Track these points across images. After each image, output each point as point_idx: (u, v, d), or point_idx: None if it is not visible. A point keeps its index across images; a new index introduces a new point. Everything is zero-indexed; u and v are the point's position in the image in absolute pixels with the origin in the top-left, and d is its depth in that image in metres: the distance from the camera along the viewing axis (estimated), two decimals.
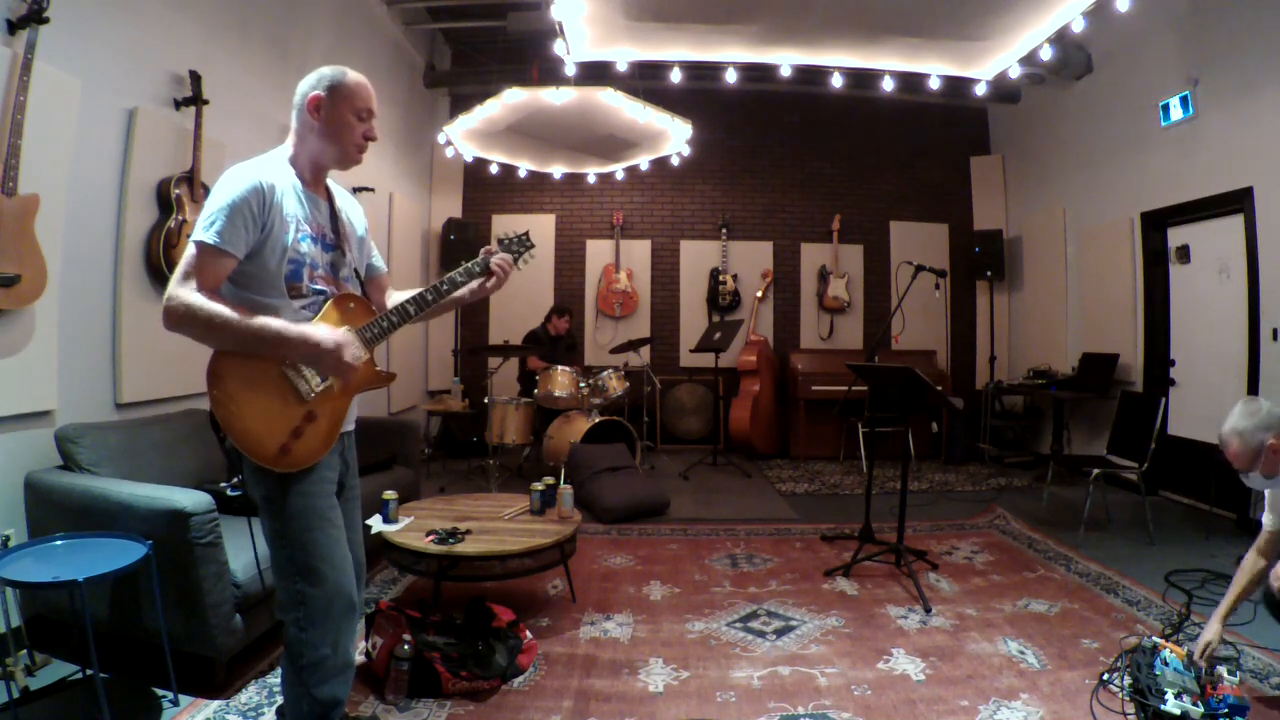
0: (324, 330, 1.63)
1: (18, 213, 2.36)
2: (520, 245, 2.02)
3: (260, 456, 1.61)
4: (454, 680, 2.27)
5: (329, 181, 1.84)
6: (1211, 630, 2.27)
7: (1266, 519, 2.32)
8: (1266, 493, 2.31)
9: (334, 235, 1.80)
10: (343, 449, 1.85)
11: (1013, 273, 6.81)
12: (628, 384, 5.54)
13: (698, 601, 3.13)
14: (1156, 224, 5.13)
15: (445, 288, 1.86)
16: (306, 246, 1.70)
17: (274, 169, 1.67)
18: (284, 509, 1.67)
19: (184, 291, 1.52)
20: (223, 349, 1.59)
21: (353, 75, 1.73)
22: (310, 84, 1.70)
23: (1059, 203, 6.20)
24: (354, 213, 1.92)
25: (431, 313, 1.91)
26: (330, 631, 1.70)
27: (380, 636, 2.41)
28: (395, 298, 1.97)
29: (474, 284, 1.91)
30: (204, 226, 1.54)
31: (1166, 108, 4.84)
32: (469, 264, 1.90)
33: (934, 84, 5.49)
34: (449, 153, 5.96)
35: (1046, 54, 4.76)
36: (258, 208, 1.58)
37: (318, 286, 1.72)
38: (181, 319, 1.52)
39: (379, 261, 2.00)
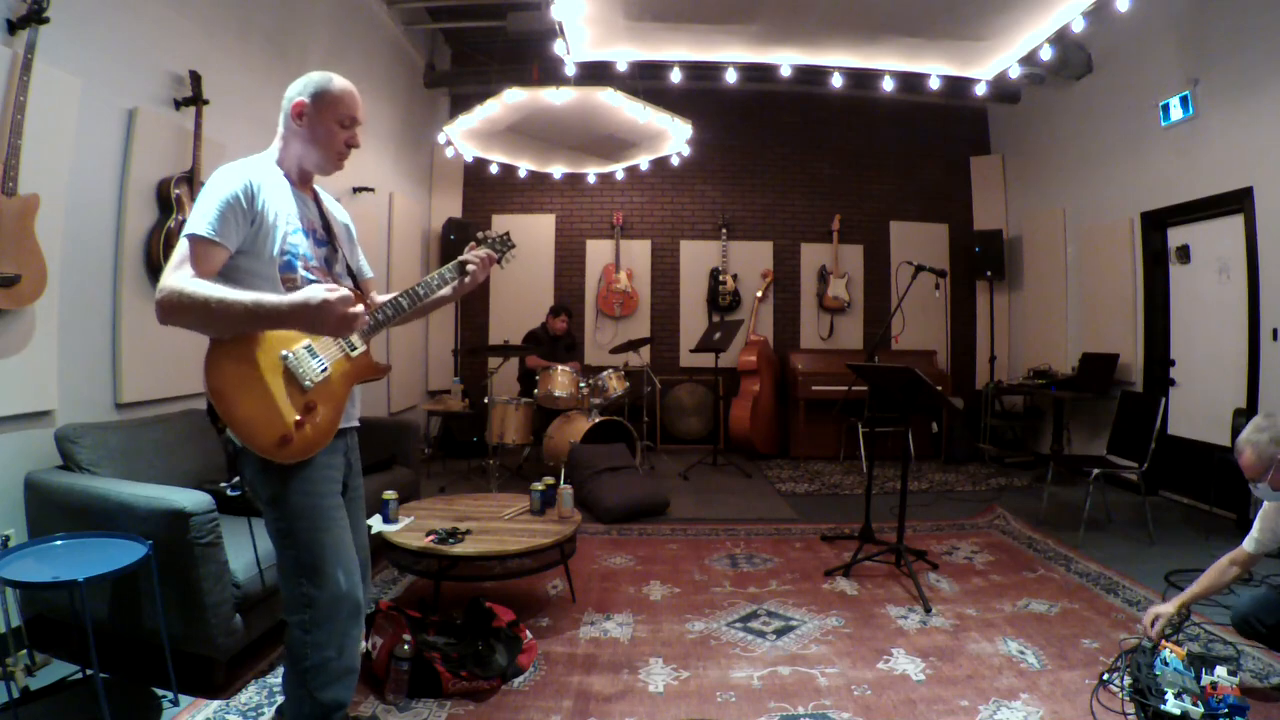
0: (318, 289, 1.54)
1: (18, 213, 2.36)
2: (502, 245, 2.08)
3: (260, 446, 1.59)
4: (454, 680, 2.27)
5: (316, 187, 1.87)
6: (1165, 606, 2.42)
7: (1252, 540, 2.36)
8: (1261, 509, 2.36)
9: (325, 232, 1.82)
10: (345, 449, 1.85)
11: (1013, 273, 6.81)
12: (628, 384, 5.54)
13: (698, 601, 3.12)
14: (1156, 224, 5.13)
15: (435, 282, 1.90)
16: (299, 239, 1.71)
17: (262, 169, 1.70)
18: (289, 509, 1.66)
19: (176, 279, 1.48)
20: (220, 334, 1.56)
21: (338, 83, 1.74)
22: (296, 89, 1.72)
23: (1059, 203, 6.20)
24: (341, 217, 1.95)
25: (423, 308, 1.95)
26: (336, 634, 1.69)
27: (380, 636, 2.40)
28: (380, 300, 1.97)
29: (457, 281, 1.96)
30: (197, 219, 1.55)
31: (1166, 108, 4.84)
32: (457, 260, 1.95)
33: (934, 84, 5.49)
34: (449, 153, 5.95)
35: (1046, 54, 4.75)
36: (248, 203, 1.60)
37: (312, 278, 1.72)
38: (176, 307, 1.47)
39: (366, 266, 2.02)
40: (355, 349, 1.77)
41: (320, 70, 1.76)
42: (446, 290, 1.94)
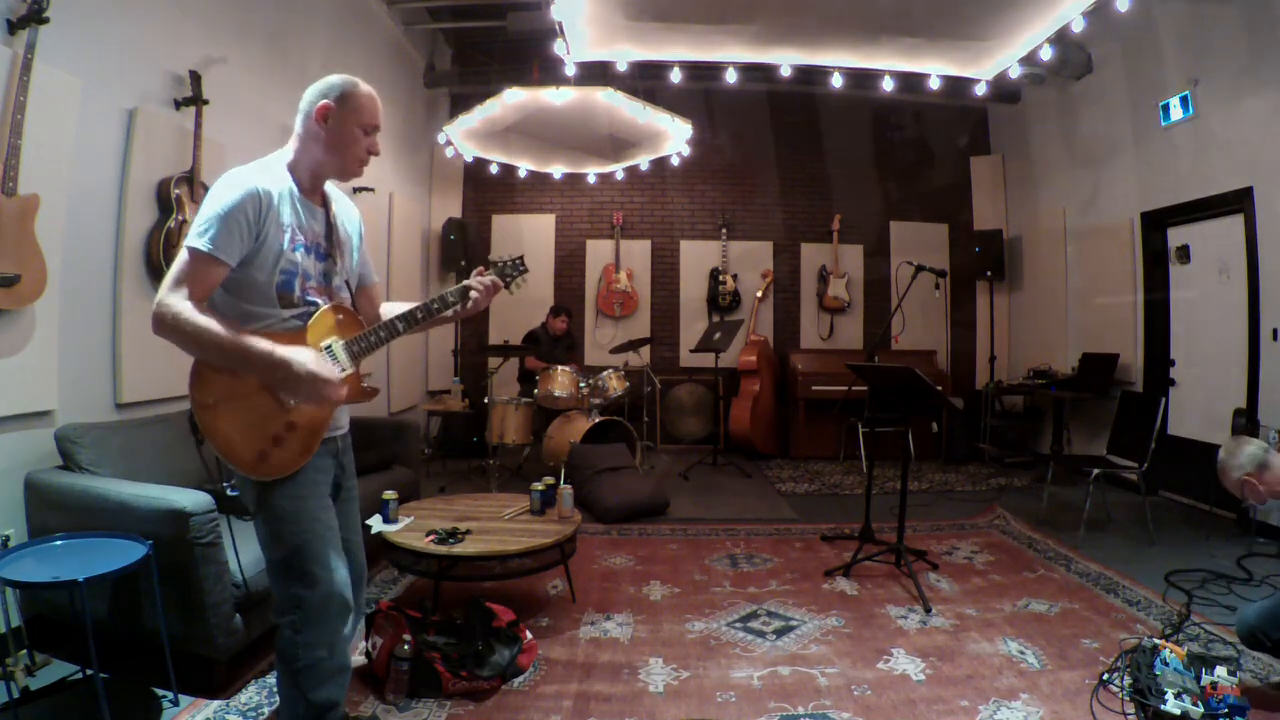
0: (307, 357, 1.58)
1: (18, 213, 2.36)
2: (513, 270, 2.01)
3: (238, 462, 1.60)
4: (454, 680, 2.27)
5: (328, 186, 1.82)
6: None
7: None
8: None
9: (327, 244, 1.78)
10: (337, 451, 1.84)
11: (1013, 273, 6.81)
12: (628, 384, 5.54)
13: (698, 601, 3.12)
14: (1156, 224, 5.13)
15: (436, 306, 1.85)
16: (300, 256, 1.68)
17: (271, 175, 1.65)
18: (276, 512, 1.66)
19: (174, 300, 1.50)
20: (205, 362, 1.58)
21: (364, 88, 1.71)
22: (320, 91, 1.68)
23: (1059, 203, 6.19)
24: (350, 220, 1.90)
25: (420, 329, 1.90)
26: (326, 634, 1.70)
27: (380, 636, 2.40)
28: (386, 309, 1.95)
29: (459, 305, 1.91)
30: (198, 233, 1.53)
31: (1166, 108, 4.84)
32: (461, 284, 1.90)
33: (934, 84, 5.49)
34: (449, 153, 5.96)
35: (1046, 54, 4.76)
36: (253, 215, 1.57)
37: (310, 297, 1.71)
38: (169, 328, 1.50)
39: (372, 272, 1.99)
40: (344, 370, 1.71)
41: (330, 73, 1.73)
42: (448, 313, 1.89)
